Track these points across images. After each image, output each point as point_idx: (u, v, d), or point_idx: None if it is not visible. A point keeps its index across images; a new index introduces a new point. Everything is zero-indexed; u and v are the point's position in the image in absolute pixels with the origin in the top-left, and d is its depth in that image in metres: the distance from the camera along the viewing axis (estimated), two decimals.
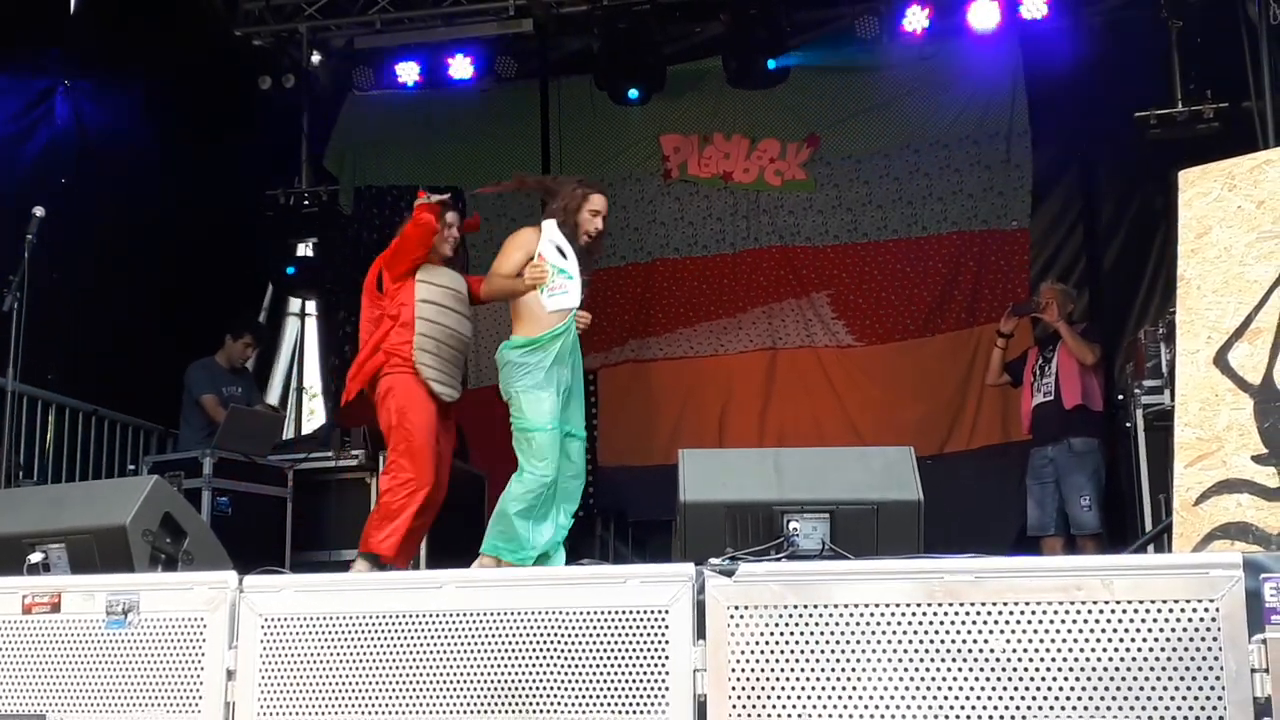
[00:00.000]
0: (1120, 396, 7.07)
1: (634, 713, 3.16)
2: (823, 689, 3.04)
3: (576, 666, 3.23)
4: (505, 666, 3.28)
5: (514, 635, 3.29)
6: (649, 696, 3.15)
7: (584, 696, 3.21)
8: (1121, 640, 2.89)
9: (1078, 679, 2.90)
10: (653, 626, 3.18)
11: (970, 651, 2.97)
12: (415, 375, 5.66)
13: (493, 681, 3.28)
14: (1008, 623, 2.97)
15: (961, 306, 8.88)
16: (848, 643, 3.05)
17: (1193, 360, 3.69)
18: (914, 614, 3.03)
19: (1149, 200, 8.20)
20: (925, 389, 8.78)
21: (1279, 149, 3.83)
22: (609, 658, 3.21)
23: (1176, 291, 3.85)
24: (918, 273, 8.99)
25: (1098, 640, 2.91)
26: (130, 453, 8.10)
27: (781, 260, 9.25)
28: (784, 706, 3.05)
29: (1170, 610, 2.88)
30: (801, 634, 3.08)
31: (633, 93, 8.88)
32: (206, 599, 3.54)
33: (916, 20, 8.46)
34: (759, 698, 3.07)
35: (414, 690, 3.33)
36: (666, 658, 3.15)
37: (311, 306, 10.13)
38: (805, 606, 3.09)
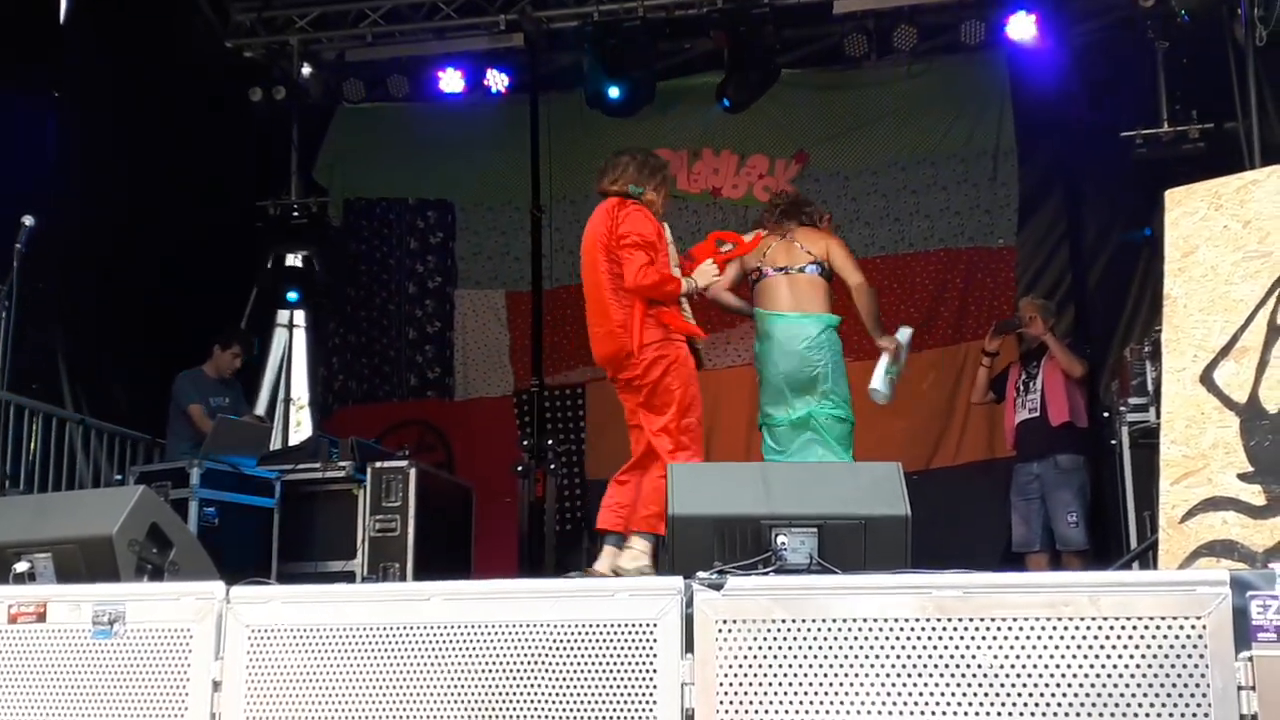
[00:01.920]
0: (1105, 414, 7.10)
1: None
2: (810, 703, 3.04)
3: (564, 679, 3.22)
4: (493, 679, 3.27)
5: (501, 648, 3.28)
6: (637, 710, 3.15)
7: (571, 710, 3.20)
8: (1108, 656, 2.90)
9: (1064, 695, 2.91)
10: (641, 640, 3.18)
11: (957, 666, 2.98)
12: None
13: (480, 694, 3.27)
14: (995, 638, 2.98)
15: (948, 324, 8.90)
16: (835, 657, 3.05)
17: (1179, 378, 3.72)
18: (901, 629, 3.03)
19: (1134, 220, 8.24)
20: (911, 405, 8.78)
21: (1265, 169, 3.86)
22: (597, 671, 3.20)
23: (1163, 310, 3.87)
24: (904, 289, 9.02)
25: (1084, 656, 2.92)
26: (117, 463, 8.07)
27: None
28: None
29: (1157, 627, 2.89)
30: (789, 648, 3.08)
31: (613, 91, 8.85)
32: (193, 609, 3.53)
33: (905, 39, 8.50)
34: (747, 711, 3.07)
35: (401, 703, 3.32)
36: (654, 671, 3.15)
37: (300, 318, 10.12)
38: (793, 620, 3.10)
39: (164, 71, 8.32)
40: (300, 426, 10.38)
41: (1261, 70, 6.81)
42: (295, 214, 9.22)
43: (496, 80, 9.11)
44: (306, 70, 9.05)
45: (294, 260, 9.46)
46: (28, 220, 5.89)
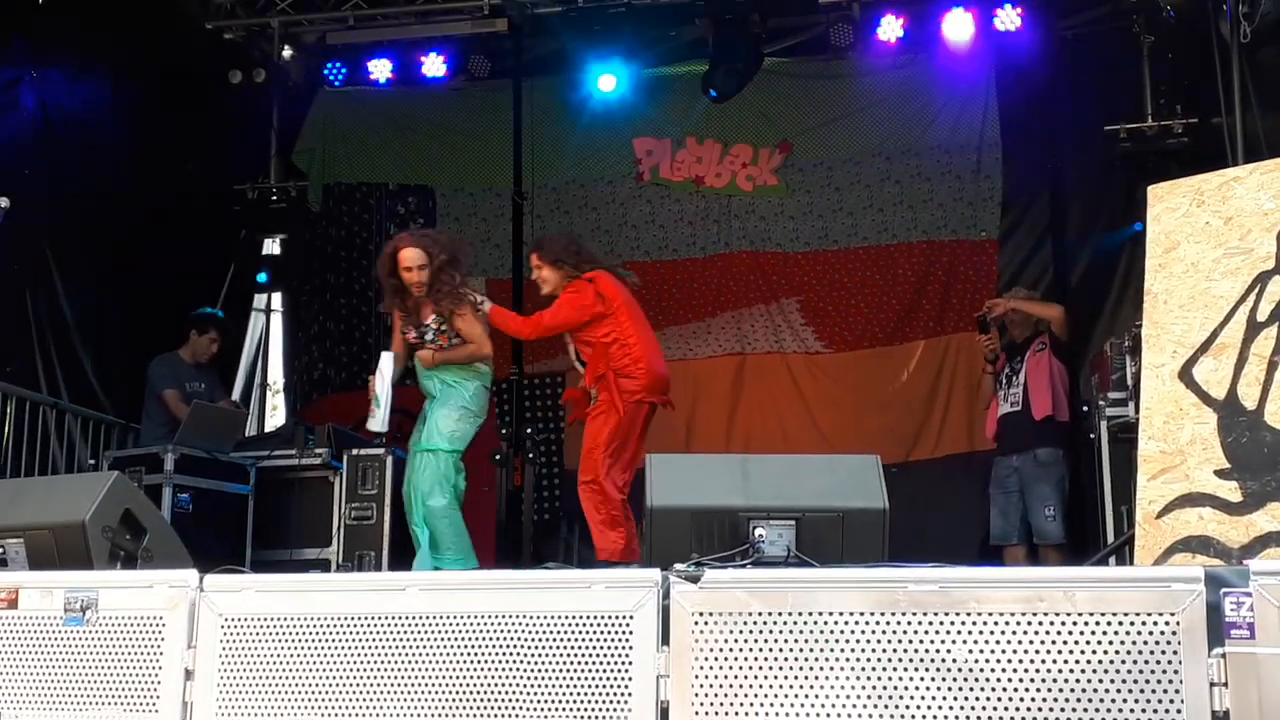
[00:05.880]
0: (1085, 408, 7.11)
1: (597, 718, 3.15)
2: (786, 696, 3.04)
3: (540, 671, 3.21)
4: (468, 670, 3.26)
5: (477, 639, 3.27)
6: (612, 702, 3.14)
7: (547, 701, 3.20)
8: (1082, 652, 2.91)
9: (1039, 689, 2.92)
10: (617, 632, 3.18)
11: (933, 661, 2.98)
12: None
13: (455, 685, 3.26)
14: (970, 632, 2.98)
15: (930, 316, 8.90)
16: (811, 650, 3.05)
17: (1158, 374, 3.72)
18: (878, 622, 3.03)
19: (1117, 214, 8.25)
20: (892, 397, 8.80)
21: (1247, 166, 3.86)
22: (573, 662, 3.20)
23: (1143, 305, 3.87)
24: (887, 281, 9.01)
25: (1059, 651, 2.92)
26: (91, 447, 8.02)
27: (752, 265, 9.25)
28: (747, 713, 3.05)
29: (1131, 623, 2.89)
30: (765, 641, 3.07)
31: (603, 83, 8.84)
32: (166, 598, 3.50)
33: (891, 30, 8.49)
34: (722, 704, 3.07)
35: (375, 693, 3.30)
36: (630, 663, 3.15)
37: (277, 303, 10.05)
38: (770, 614, 3.09)
39: (142, 53, 8.25)
40: (276, 412, 10.34)
41: (1246, 66, 6.81)
42: (274, 198, 9.15)
43: (479, 65, 9.06)
44: (287, 53, 8.98)
45: (272, 245, 9.39)
46: (2, 202, 5.82)
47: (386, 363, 6.24)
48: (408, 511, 6.24)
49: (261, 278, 9.39)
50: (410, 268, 6.15)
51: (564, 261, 6.47)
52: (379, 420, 6.21)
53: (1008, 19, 8.29)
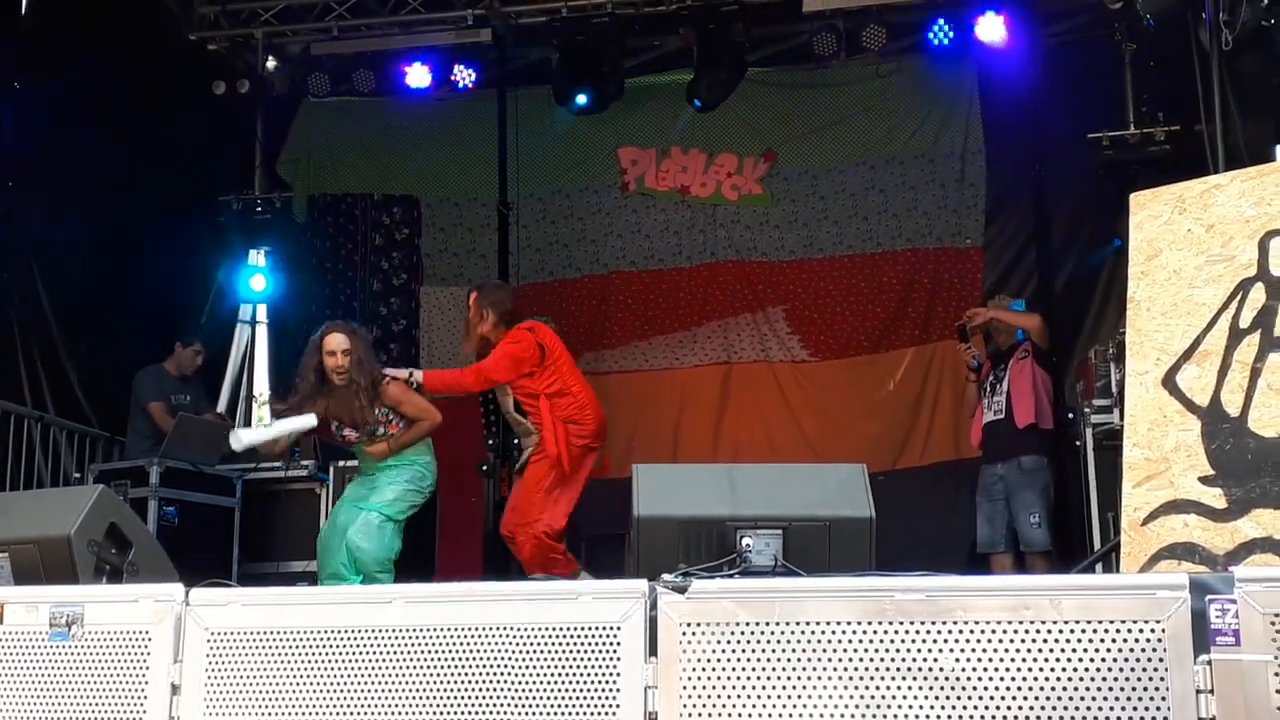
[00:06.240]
0: (1070, 415, 7.13)
1: None
2: (774, 706, 3.04)
3: (527, 683, 3.20)
4: (455, 683, 3.25)
5: (464, 651, 3.26)
6: (600, 713, 3.14)
7: (534, 713, 3.19)
8: (1069, 660, 2.91)
9: (1025, 698, 2.92)
10: (604, 643, 3.17)
11: (920, 670, 2.98)
12: None
13: (442, 698, 3.25)
14: (957, 641, 2.98)
15: (915, 323, 8.93)
16: (799, 660, 3.05)
17: (1141, 381, 3.74)
18: (865, 632, 3.03)
19: (1101, 221, 8.29)
20: (879, 405, 8.83)
21: (1229, 174, 3.88)
22: (560, 674, 3.19)
23: (1126, 313, 3.89)
24: (872, 289, 9.05)
25: (1045, 660, 2.92)
26: (77, 461, 7.99)
27: (737, 275, 9.28)
28: None
29: (1117, 630, 2.90)
30: (753, 652, 3.07)
31: (580, 99, 8.83)
32: (152, 612, 3.48)
33: (874, 38, 8.51)
34: (710, 715, 3.06)
35: (362, 707, 3.29)
36: (618, 674, 3.14)
37: (262, 314, 10.02)
38: (757, 624, 3.09)
39: (126, 64, 8.23)
40: (262, 424, 10.28)
41: (1226, 74, 6.85)
42: (259, 209, 9.12)
43: (464, 75, 9.05)
44: (271, 64, 8.96)
45: (257, 256, 9.36)
46: None
47: (307, 423, 5.92)
48: (324, 555, 5.96)
49: (246, 289, 9.34)
50: (334, 351, 5.91)
51: (497, 315, 6.44)
52: (245, 440, 5.80)
53: (991, 28, 8.30)
